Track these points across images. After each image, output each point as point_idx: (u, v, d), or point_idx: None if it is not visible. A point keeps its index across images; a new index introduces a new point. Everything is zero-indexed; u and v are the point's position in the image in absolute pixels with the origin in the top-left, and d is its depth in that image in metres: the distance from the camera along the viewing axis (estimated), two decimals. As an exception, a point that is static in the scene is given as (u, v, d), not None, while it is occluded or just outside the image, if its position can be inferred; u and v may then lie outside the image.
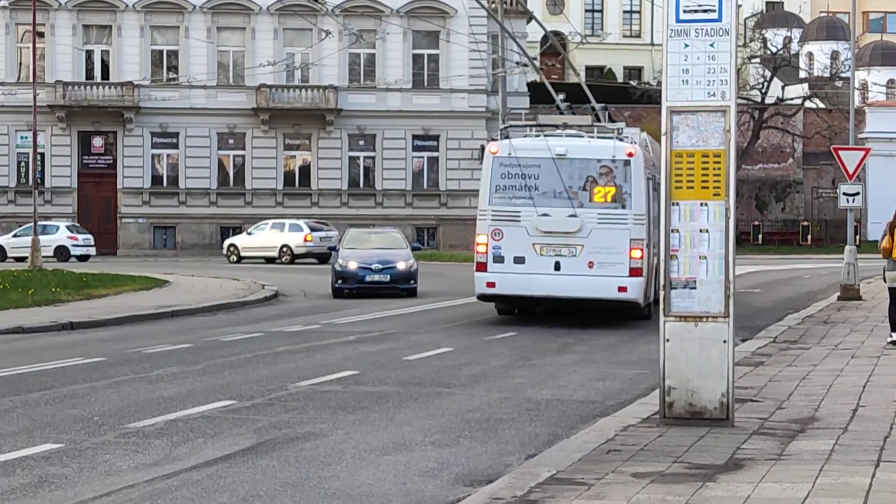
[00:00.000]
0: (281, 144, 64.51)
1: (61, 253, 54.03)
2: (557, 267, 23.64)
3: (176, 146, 64.04)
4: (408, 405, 13.81)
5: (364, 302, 30.43)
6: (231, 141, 64.38)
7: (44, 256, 47.07)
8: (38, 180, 53.75)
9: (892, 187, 63.55)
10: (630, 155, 23.68)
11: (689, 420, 11.32)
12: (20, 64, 63.50)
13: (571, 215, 23.62)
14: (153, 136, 63.86)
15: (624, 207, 23.64)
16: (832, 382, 14.71)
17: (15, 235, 56.24)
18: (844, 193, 31.96)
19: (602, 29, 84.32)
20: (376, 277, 32.19)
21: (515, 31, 47.40)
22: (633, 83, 77.87)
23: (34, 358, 18.49)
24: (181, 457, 10.77)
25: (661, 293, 11.43)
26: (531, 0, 79.21)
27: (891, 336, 19.25)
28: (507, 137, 24.28)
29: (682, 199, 11.35)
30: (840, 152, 32.28)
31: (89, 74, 64.04)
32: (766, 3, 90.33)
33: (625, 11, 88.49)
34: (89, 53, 64.15)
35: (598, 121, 25.60)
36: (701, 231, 11.33)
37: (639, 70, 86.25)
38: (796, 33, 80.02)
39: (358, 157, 64.89)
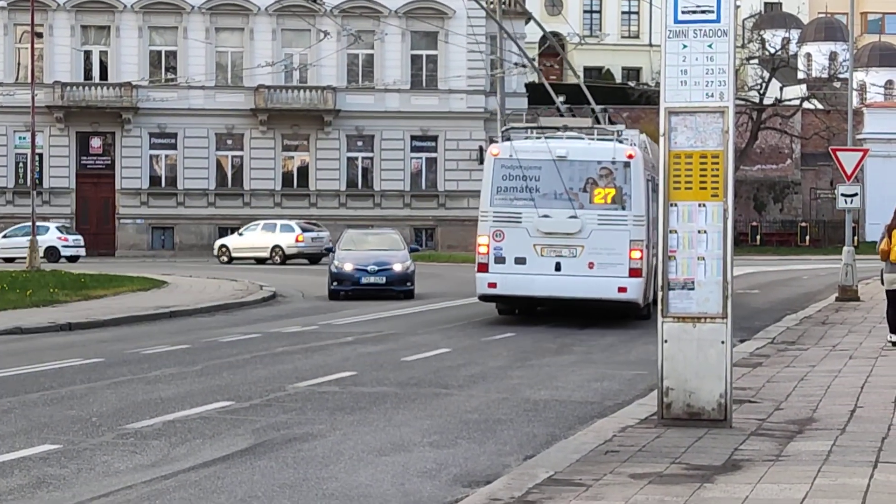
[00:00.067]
0: (279, 145, 64.50)
1: (51, 254, 53.96)
2: (558, 267, 23.84)
3: (174, 147, 64.03)
4: (406, 406, 13.81)
5: (362, 303, 30.41)
6: (229, 142, 64.37)
7: None
8: (37, 181, 53.74)
9: (891, 188, 63.60)
10: (630, 157, 23.90)
11: (687, 421, 11.32)
12: (18, 64, 63.46)
13: (572, 216, 23.81)
14: (151, 136, 63.85)
15: (624, 209, 23.86)
16: (830, 383, 14.71)
17: (5, 236, 56.18)
18: (842, 194, 31.96)
19: (600, 30, 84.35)
20: (372, 279, 31.96)
21: (514, 32, 47.41)
22: (632, 84, 77.92)
23: (32, 359, 18.49)
24: (179, 458, 10.77)
25: (660, 294, 11.43)
26: (529, 1, 79.34)
27: (890, 337, 19.26)
28: (508, 139, 24.52)
29: (680, 200, 11.35)
30: (838, 153, 32.29)
31: (87, 75, 64.02)
32: (765, 3, 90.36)
33: (623, 12, 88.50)
34: (87, 54, 64.13)
35: (598, 123, 25.76)
36: (699, 232, 11.34)
37: (637, 71, 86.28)
38: (794, 34, 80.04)
39: (356, 158, 64.89)
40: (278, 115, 63.52)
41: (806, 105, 72.77)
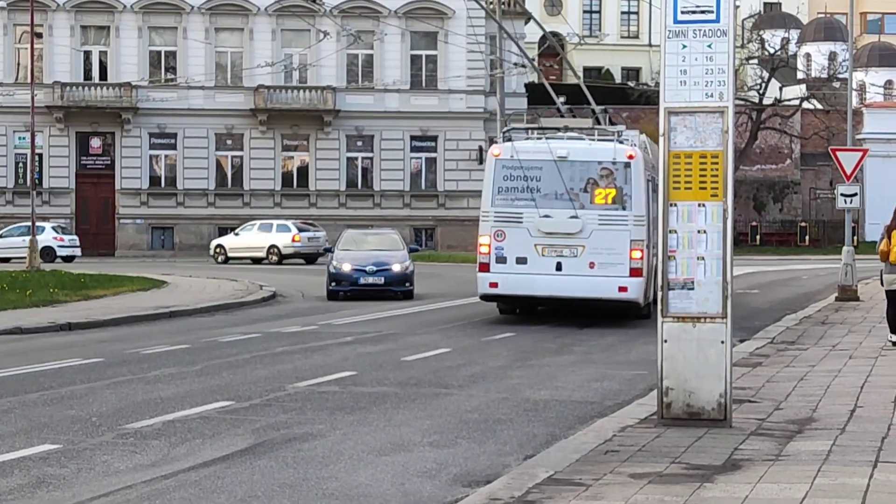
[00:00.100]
0: (279, 145, 64.50)
1: (47, 254, 53.86)
2: (559, 267, 23.98)
3: (174, 147, 64.02)
4: (406, 406, 13.82)
5: (361, 303, 30.38)
6: (229, 142, 64.36)
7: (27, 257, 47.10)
8: (36, 181, 53.72)
9: (890, 188, 63.60)
10: (630, 157, 24.04)
11: (686, 421, 11.32)
12: (18, 65, 63.45)
13: (573, 216, 23.94)
14: (151, 136, 63.85)
15: (624, 209, 24.01)
16: (830, 383, 14.71)
17: (1, 237, 56.16)
18: (842, 194, 31.97)
19: (600, 30, 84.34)
20: (370, 279, 31.73)
21: (514, 32, 47.42)
22: (631, 84, 77.93)
23: (32, 359, 18.49)
24: (179, 457, 10.77)
25: (659, 294, 11.43)
26: (529, 1, 79.32)
27: (890, 337, 19.26)
28: (509, 140, 24.65)
29: (679, 200, 11.35)
30: (838, 153, 32.30)
31: (87, 75, 64.01)
32: (764, 3, 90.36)
33: (623, 12, 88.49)
34: (87, 54, 64.12)
35: (599, 123, 25.87)
36: (699, 232, 11.34)
37: (637, 71, 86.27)
38: (794, 34, 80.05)
39: (356, 158, 64.88)
40: (278, 116, 63.51)
41: (805, 105, 72.78)
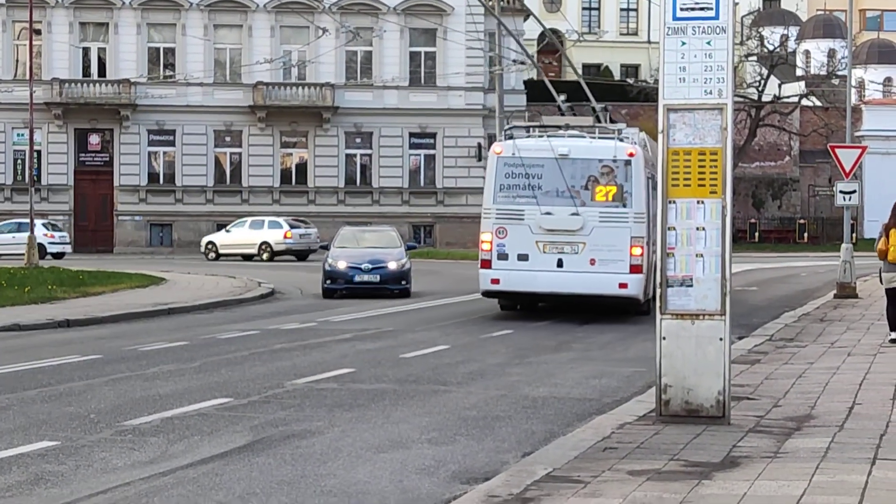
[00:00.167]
0: (277, 142, 64.48)
1: (38, 250, 53.86)
2: (560, 264, 24.23)
3: (172, 144, 64.01)
4: (404, 403, 13.81)
5: (360, 300, 30.36)
6: (228, 138, 64.35)
7: (19, 254, 47.15)
8: (35, 178, 53.71)
9: (889, 185, 63.59)
10: (631, 155, 24.28)
11: (685, 418, 11.32)
12: (17, 61, 63.45)
13: (574, 214, 24.20)
14: (150, 133, 63.84)
15: (625, 206, 24.28)
16: (828, 380, 14.71)
17: None
18: (841, 191, 31.97)
19: (599, 27, 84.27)
20: (366, 277, 31.34)
21: (513, 29, 47.41)
22: (630, 81, 77.82)
23: (30, 355, 18.49)
24: (177, 454, 10.77)
25: (658, 291, 11.42)
26: (528, -3, 79.26)
27: (889, 335, 19.26)
28: (510, 138, 24.86)
29: (678, 197, 11.34)
30: (837, 150, 32.29)
31: (86, 72, 64.01)
32: (763, 0, 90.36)
33: (622, 9, 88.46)
34: (86, 51, 64.12)
35: (599, 121, 26.02)
36: (697, 229, 11.32)
37: (636, 68, 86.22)
38: (793, 31, 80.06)
39: (355, 155, 64.87)
40: (277, 112, 63.49)
41: (804, 102, 72.80)
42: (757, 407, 12.54)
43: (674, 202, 11.35)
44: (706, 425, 11.16)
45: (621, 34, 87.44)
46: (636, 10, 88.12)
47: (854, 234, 46.34)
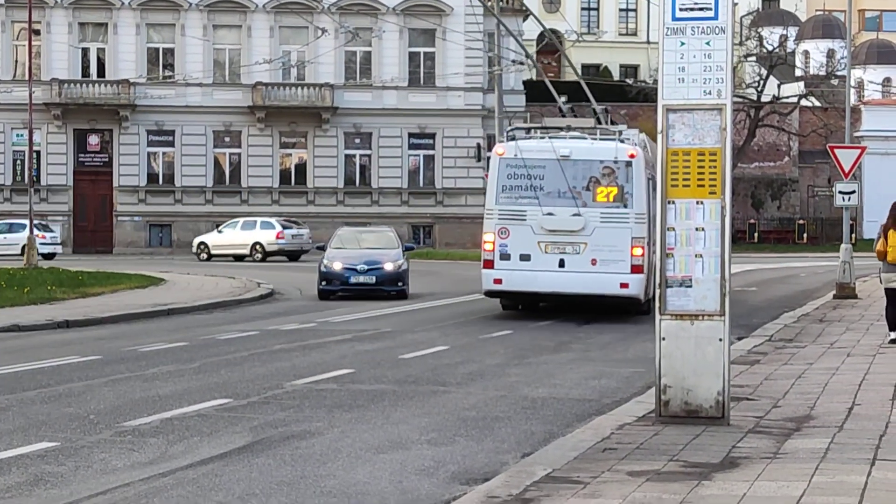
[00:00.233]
0: (277, 142, 64.48)
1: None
2: (562, 264, 24.49)
3: (172, 144, 64.01)
4: (404, 403, 13.81)
5: (358, 301, 30.31)
6: (227, 139, 64.34)
7: (11, 255, 47.14)
8: (34, 178, 53.69)
9: (888, 186, 63.55)
10: (632, 156, 24.56)
11: (684, 418, 11.32)
12: (16, 61, 63.46)
13: (575, 214, 24.45)
14: (149, 133, 63.84)
15: (626, 207, 24.54)
16: (828, 381, 14.71)
17: None
18: (840, 192, 31.98)
19: (598, 27, 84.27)
20: (361, 279, 30.92)
21: (512, 29, 47.40)
22: (629, 81, 77.86)
23: (30, 356, 18.48)
24: (177, 455, 10.77)
25: (657, 291, 11.42)
26: (527, -2, 79.27)
27: (889, 335, 19.26)
28: (512, 139, 25.05)
29: (678, 198, 11.34)
30: (836, 151, 32.29)
31: (85, 72, 64.01)
32: (762, 1, 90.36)
33: (621, 9, 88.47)
34: (85, 51, 64.12)
35: (600, 123, 26.19)
36: (697, 229, 11.32)
37: (635, 68, 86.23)
38: (792, 31, 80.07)
39: (354, 156, 64.87)
40: (276, 113, 63.49)
41: (804, 102, 72.80)
42: (756, 407, 12.54)
43: (673, 202, 11.35)
44: (706, 426, 11.16)
45: (620, 34, 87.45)
46: (635, 10, 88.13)
47: (853, 235, 46.33)
